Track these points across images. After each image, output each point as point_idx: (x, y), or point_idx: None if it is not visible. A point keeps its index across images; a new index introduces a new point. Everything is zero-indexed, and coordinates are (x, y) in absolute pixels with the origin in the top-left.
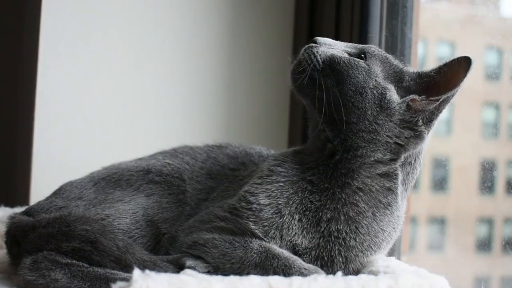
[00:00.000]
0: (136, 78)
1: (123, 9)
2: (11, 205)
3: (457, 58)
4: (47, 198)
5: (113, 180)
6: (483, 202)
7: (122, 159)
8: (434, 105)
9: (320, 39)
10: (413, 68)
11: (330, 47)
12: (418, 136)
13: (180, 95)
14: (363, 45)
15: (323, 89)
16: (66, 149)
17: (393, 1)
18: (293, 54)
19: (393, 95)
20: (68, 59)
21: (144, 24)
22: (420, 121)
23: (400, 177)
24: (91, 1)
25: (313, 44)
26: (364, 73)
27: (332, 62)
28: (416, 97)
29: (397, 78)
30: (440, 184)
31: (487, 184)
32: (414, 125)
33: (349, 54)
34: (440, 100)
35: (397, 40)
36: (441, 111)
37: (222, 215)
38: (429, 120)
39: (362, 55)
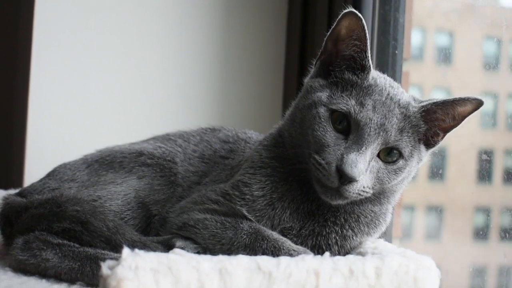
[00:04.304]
0: (129, 63)
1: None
2: (5, 187)
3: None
4: (41, 180)
5: (106, 163)
6: (480, 191)
7: (116, 143)
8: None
9: (354, 176)
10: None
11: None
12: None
13: (174, 83)
14: (396, 143)
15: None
16: (60, 132)
17: None
18: (287, 40)
19: (426, 155)
20: (62, 44)
21: (138, 14)
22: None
23: None
24: None
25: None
26: (413, 167)
27: (380, 187)
28: (436, 146)
29: (418, 133)
30: (437, 173)
31: (484, 173)
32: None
33: (389, 162)
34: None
35: (390, 26)
36: None
37: (215, 198)
38: None
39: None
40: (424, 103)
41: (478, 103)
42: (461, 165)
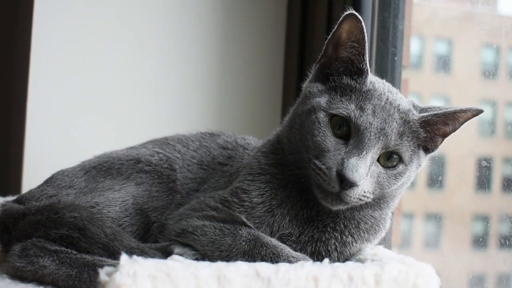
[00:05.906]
0: (127, 68)
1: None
2: (3, 194)
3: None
4: (39, 187)
5: (104, 169)
6: (479, 199)
7: (114, 148)
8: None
9: (355, 181)
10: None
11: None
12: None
13: (173, 88)
14: (395, 147)
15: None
16: (58, 139)
17: None
18: (286, 45)
19: (424, 160)
20: (60, 48)
21: (136, 18)
22: None
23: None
24: None
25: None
26: (412, 172)
27: (380, 192)
28: (435, 151)
29: (418, 139)
30: (436, 180)
31: (483, 181)
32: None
33: (389, 167)
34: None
35: (389, 33)
36: None
37: (214, 205)
38: None
39: (398, 160)
40: (425, 115)
41: (478, 111)
42: (460, 173)
